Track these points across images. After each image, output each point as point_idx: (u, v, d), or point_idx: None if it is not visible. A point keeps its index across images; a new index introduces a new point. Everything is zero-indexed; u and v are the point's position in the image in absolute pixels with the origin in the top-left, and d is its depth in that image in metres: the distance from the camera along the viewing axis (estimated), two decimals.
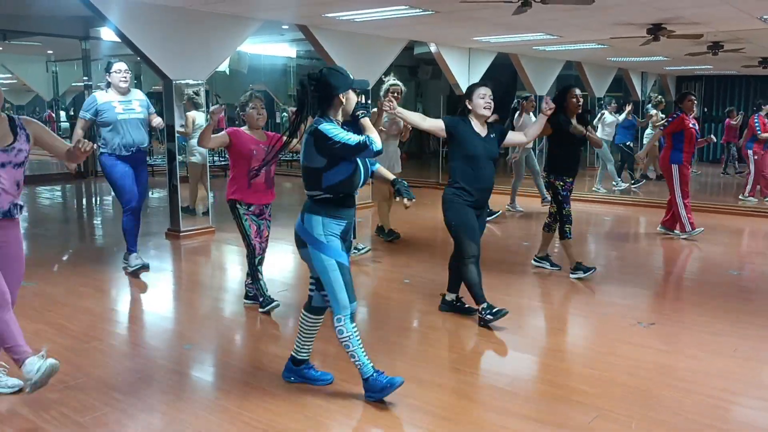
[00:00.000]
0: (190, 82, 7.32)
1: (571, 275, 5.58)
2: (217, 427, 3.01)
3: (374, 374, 3.21)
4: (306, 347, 3.43)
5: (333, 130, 3.04)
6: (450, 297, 4.68)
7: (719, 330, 4.37)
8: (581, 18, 7.56)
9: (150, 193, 11.47)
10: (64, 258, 6.24)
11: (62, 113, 17.69)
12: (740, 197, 9.99)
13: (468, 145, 4.25)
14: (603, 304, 5.04)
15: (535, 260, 5.95)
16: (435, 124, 4.36)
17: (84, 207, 10.38)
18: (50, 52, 14.40)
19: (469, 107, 4.33)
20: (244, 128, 4.57)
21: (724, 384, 3.51)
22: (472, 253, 4.32)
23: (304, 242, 3.18)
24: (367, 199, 9.39)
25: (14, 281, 3.25)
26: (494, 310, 4.31)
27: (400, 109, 4.30)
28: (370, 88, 3.12)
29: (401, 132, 6.67)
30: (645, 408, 3.21)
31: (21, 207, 3.24)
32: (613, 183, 10.82)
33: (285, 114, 16.35)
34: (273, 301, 4.60)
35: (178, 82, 7.12)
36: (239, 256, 5.02)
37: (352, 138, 3.02)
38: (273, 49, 13.48)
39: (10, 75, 16.90)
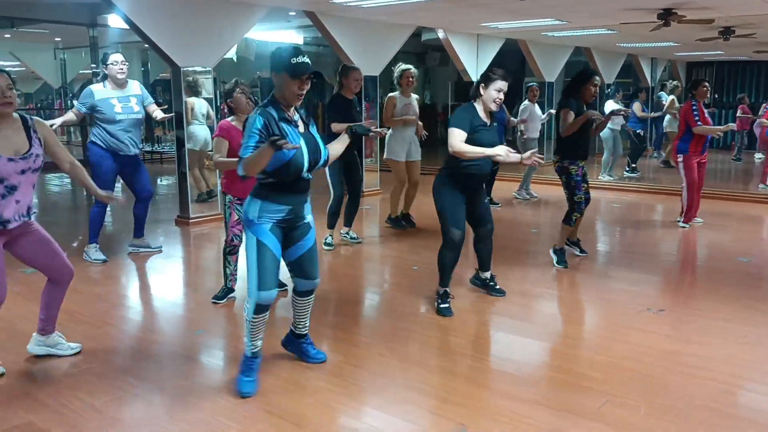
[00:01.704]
0: (198, 69, 7.32)
1: (551, 251, 5.65)
2: (228, 410, 3.04)
3: (249, 362, 3.22)
4: (302, 323, 3.52)
5: (248, 129, 2.99)
6: (484, 275, 4.78)
7: (729, 316, 4.37)
8: (590, 3, 7.51)
9: (159, 180, 11.55)
10: (74, 245, 6.28)
11: (75, 102, 17.71)
12: (759, 186, 9.80)
13: (476, 136, 4.22)
14: (612, 291, 5.04)
15: (567, 243, 5.83)
16: (463, 139, 4.18)
17: (84, 197, 10.43)
18: (58, 39, 14.41)
19: (481, 93, 4.29)
20: (230, 119, 4.45)
21: (734, 370, 3.52)
22: (455, 239, 4.33)
23: (244, 222, 3.17)
24: (375, 187, 9.43)
25: (58, 260, 3.42)
26: (444, 306, 4.39)
27: (463, 150, 4.13)
28: (310, 73, 3.07)
29: (416, 120, 6.74)
30: (654, 394, 3.23)
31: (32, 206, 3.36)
32: (606, 173, 10.58)
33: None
34: (230, 293, 4.61)
35: (186, 69, 7.13)
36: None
37: (244, 145, 2.97)
38: (280, 36, 13.44)
39: (18, 63, 16.95)
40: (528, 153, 4.14)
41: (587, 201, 5.61)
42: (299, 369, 3.48)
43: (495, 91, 4.22)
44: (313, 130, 3.27)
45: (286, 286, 4.66)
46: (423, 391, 3.27)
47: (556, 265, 5.56)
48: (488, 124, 4.32)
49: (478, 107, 4.30)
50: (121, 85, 5.47)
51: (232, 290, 4.67)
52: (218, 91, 10.21)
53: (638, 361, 3.63)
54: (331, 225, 6.12)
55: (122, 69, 5.42)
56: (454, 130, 4.15)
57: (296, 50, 3.03)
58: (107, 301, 4.68)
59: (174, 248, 6.49)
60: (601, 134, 10.29)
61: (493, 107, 4.27)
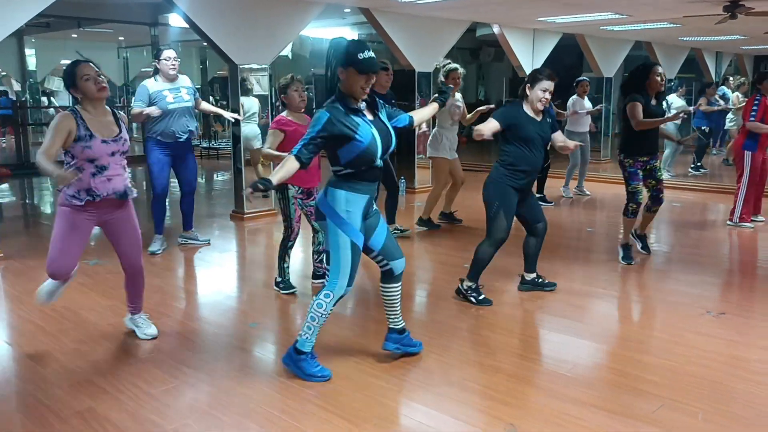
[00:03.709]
0: (255, 66, 7.44)
1: (618, 246, 5.64)
2: (279, 402, 3.09)
3: (311, 354, 3.32)
4: (398, 315, 3.55)
5: (312, 122, 3.08)
6: (529, 276, 4.75)
7: None
8: None
9: (215, 175, 11.80)
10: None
11: (137, 103, 18.24)
12: None
13: (524, 131, 4.27)
14: (670, 293, 4.89)
15: (632, 235, 5.76)
16: (493, 127, 4.27)
17: (144, 189, 10.74)
18: (121, 38, 14.89)
19: (527, 93, 4.30)
20: (284, 113, 4.52)
21: None
22: (501, 237, 4.38)
23: (323, 215, 3.20)
24: (427, 183, 9.39)
25: (135, 251, 3.71)
26: (481, 297, 4.44)
27: (483, 130, 4.20)
28: (377, 69, 3.13)
29: (463, 116, 6.62)
30: (714, 400, 3.11)
31: (131, 189, 3.60)
32: (665, 169, 10.23)
33: None
34: (292, 287, 4.72)
35: (243, 66, 7.26)
36: (300, 238, 5.09)
37: (302, 143, 3.07)
38: (335, 33, 13.49)
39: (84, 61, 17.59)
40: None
41: (657, 201, 5.51)
42: (350, 364, 3.50)
43: (541, 91, 4.25)
44: (383, 115, 3.26)
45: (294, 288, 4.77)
46: (474, 390, 3.24)
47: (620, 261, 5.50)
48: (539, 119, 4.33)
49: (526, 107, 4.33)
50: (172, 79, 5.71)
51: (293, 285, 4.75)
52: (273, 88, 10.32)
53: (697, 365, 3.51)
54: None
55: (174, 65, 5.66)
56: (491, 119, 4.28)
57: (363, 45, 3.06)
58: (165, 293, 4.81)
59: (228, 242, 6.63)
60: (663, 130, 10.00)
61: (539, 107, 4.29)
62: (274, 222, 7.37)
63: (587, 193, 9.04)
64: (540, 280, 4.77)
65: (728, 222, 7.07)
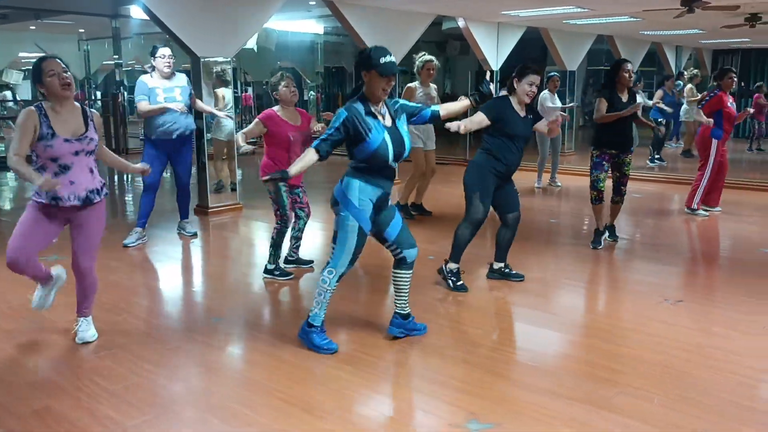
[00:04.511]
0: (219, 59, 7.35)
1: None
2: (242, 397, 3.07)
3: (321, 327, 3.52)
4: (406, 301, 3.71)
5: (334, 122, 3.30)
6: (497, 266, 4.81)
7: (749, 308, 4.30)
8: None
9: None
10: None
11: (98, 93, 17.93)
12: None
13: (510, 126, 4.35)
14: (631, 281, 4.99)
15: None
16: (480, 121, 4.33)
17: (116, 184, 10.54)
18: (81, 30, 14.57)
19: (515, 87, 4.35)
20: (276, 108, 4.74)
21: (753, 362, 3.46)
22: (478, 218, 4.48)
23: (337, 201, 3.39)
24: (400, 177, 9.41)
25: (85, 254, 3.54)
26: (460, 283, 4.54)
27: (467, 124, 4.16)
28: (397, 72, 3.35)
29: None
30: (670, 385, 3.19)
31: (100, 191, 3.51)
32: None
33: (312, 92, 16.33)
34: (289, 273, 4.88)
35: (205, 59, 7.16)
36: (266, 231, 5.10)
37: (322, 138, 3.31)
38: (300, 26, 13.45)
39: (43, 54, 17.15)
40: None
41: (618, 192, 5.72)
42: (313, 357, 3.49)
43: (528, 85, 4.31)
44: (400, 124, 3.48)
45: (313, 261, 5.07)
46: (438, 381, 3.27)
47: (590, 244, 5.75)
48: (523, 115, 4.40)
49: (513, 100, 4.38)
50: (167, 77, 5.76)
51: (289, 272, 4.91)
52: (239, 81, 10.27)
53: (655, 352, 3.59)
54: None
55: (168, 63, 5.75)
56: (478, 113, 4.31)
57: (385, 50, 3.31)
58: (126, 289, 4.74)
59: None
60: None
61: (527, 100, 4.36)
62: (239, 216, 7.31)
63: (559, 184, 9.18)
64: (507, 270, 4.82)
65: (686, 209, 7.27)
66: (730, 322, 4.07)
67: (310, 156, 3.29)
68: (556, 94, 8.92)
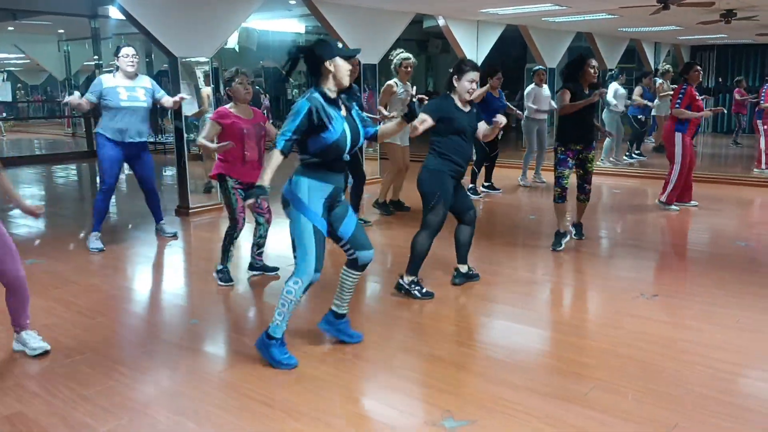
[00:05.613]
0: (201, 60, 7.31)
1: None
2: (218, 400, 3.06)
3: (281, 340, 3.38)
4: (347, 302, 3.63)
5: (293, 114, 3.18)
6: (464, 269, 4.75)
7: (723, 302, 4.35)
8: None
9: (163, 171, 11.56)
10: (81, 236, 6.32)
11: (76, 93, 17.75)
12: (754, 170, 9.82)
13: (456, 122, 4.32)
14: (606, 277, 5.03)
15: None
16: (428, 123, 4.28)
17: (97, 186, 10.46)
18: (61, 31, 14.42)
19: (455, 85, 4.34)
20: (228, 106, 4.61)
21: (727, 356, 3.50)
22: (438, 227, 4.42)
23: (288, 201, 3.30)
24: (376, 175, 9.41)
25: (9, 260, 3.33)
26: (424, 291, 4.45)
27: (417, 127, 4.20)
28: (357, 55, 3.51)
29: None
30: (644, 379, 3.22)
31: None
32: (602, 158, 10.42)
33: (296, 91, 16.30)
34: (231, 280, 4.76)
35: (184, 59, 7.12)
36: (248, 232, 5.06)
37: (283, 131, 3.19)
38: (282, 25, 13.40)
39: (23, 55, 16.94)
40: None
41: (582, 190, 5.68)
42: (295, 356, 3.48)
43: (467, 82, 4.30)
44: (355, 113, 3.43)
45: (279, 269, 4.92)
46: (412, 379, 3.28)
47: (556, 244, 5.65)
48: (467, 110, 4.39)
49: (455, 98, 4.38)
50: (130, 77, 5.65)
51: (232, 279, 4.79)
52: (219, 81, 10.19)
53: (630, 346, 3.62)
54: None
55: (132, 62, 5.62)
56: (422, 114, 4.24)
57: (334, 40, 3.46)
58: (102, 292, 4.70)
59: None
60: (603, 118, 10.28)
61: (467, 97, 4.35)
62: (220, 216, 7.28)
63: (544, 181, 9.19)
64: (471, 272, 4.78)
65: (658, 201, 7.39)
66: (704, 315, 4.12)
67: (276, 158, 3.18)
68: (545, 87, 8.98)
